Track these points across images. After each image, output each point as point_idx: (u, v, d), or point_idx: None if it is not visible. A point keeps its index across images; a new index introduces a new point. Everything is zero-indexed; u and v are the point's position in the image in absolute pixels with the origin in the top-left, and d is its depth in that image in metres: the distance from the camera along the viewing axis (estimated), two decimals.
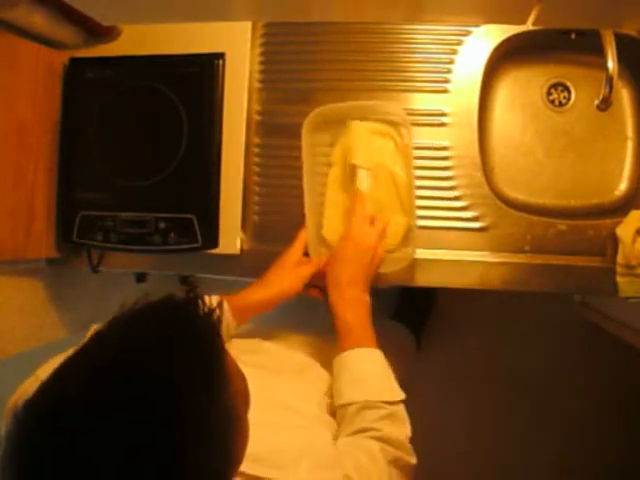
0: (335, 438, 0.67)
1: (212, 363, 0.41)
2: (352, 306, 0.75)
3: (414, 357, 1.09)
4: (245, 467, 0.48)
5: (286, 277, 0.80)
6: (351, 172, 0.83)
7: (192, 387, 0.38)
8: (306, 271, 0.81)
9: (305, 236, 0.84)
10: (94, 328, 0.69)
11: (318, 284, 0.83)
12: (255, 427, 0.55)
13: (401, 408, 0.68)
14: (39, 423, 0.36)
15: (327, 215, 0.85)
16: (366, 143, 0.83)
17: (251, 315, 0.81)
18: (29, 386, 0.58)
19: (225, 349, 0.43)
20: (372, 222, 0.79)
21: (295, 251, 0.83)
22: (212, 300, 0.44)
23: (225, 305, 0.78)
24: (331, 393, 0.73)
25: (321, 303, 0.83)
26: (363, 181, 0.81)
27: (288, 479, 0.53)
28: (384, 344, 0.93)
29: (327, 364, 0.79)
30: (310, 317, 1.01)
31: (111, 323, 0.41)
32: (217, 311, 0.43)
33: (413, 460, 0.66)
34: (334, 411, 0.72)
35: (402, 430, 0.66)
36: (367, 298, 0.76)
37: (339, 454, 0.60)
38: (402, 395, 0.69)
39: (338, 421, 0.69)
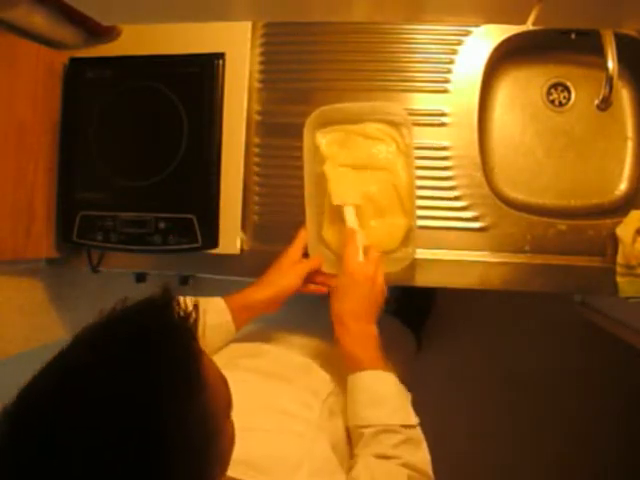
0: (350, 456, 0.67)
1: (187, 367, 0.40)
2: (359, 340, 0.74)
3: (414, 356, 1.09)
4: (240, 474, 0.48)
5: (284, 275, 0.80)
6: (338, 211, 0.83)
7: (166, 392, 0.38)
8: (304, 268, 0.81)
9: (305, 235, 0.84)
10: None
11: (317, 281, 0.83)
12: (252, 433, 0.54)
13: (417, 432, 0.68)
14: (11, 430, 0.36)
15: (326, 215, 0.85)
16: (340, 178, 0.83)
17: (252, 316, 0.81)
18: None
19: (201, 352, 0.43)
20: (366, 253, 0.78)
21: (294, 250, 0.83)
22: (188, 303, 0.44)
23: (223, 305, 0.78)
24: (332, 397, 0.73)
25: (319, 298, 0.83)
26: (351, 218, 0.80)
27: None
28: (384, 342, 0.93)
29: (328, 365, 0.79)
30: (311, 318, 1.01)
31: (89, 328, 0.41)
32: (193, 314, 0.43)
33: None
34: (335, 413, 0.71)
35: (422, 455, 0.66)
36: (373, 329, 0.75)
37: (356, 467, 0.60)
38: (417, 419, 0.68)
39: (353, 441, 0.68)
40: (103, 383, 0.37)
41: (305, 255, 0.84)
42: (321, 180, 0.85)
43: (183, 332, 0.42)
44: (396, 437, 0.65)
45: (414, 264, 0.84)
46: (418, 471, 0.63)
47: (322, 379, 0.76)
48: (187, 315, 0.43)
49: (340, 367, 0.84)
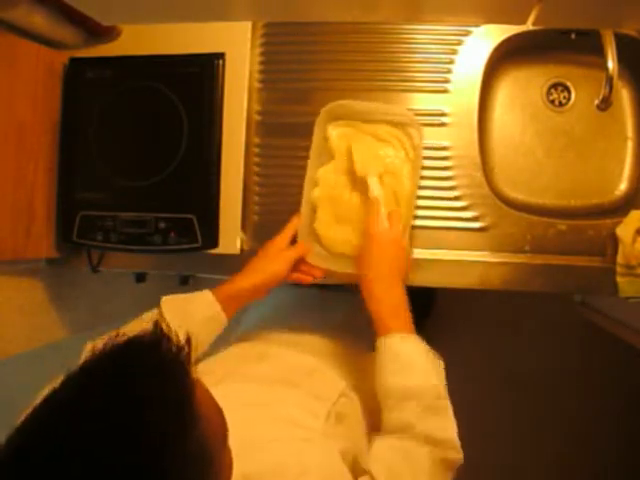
0: (369, 440, 0.66)
1: (178, 405, 0.40)
2: (383, 301, 0.72)
3: None
4: None
5: (271, 262, 0.80)
6: (361, 182, 0.83)
7: (159, 432, 0.38)
8: (291, 255, 0.81)
9: (296, 223, 0.84)
10: (89, 347, 0.69)
11: (302, 270, 0.83)
12: (256, 444, 0.53)
13: (443, 396, 0.66)
14: (6, 468, 0.36)
15: (321, 209, 0.85)
16: (370, 150, 0.83)
17: (241, 304, 0.80)
18: None
19: (194, 387, 0.42)
20: (389, 219, 0.78)
21: (282, 238, 0.83)
22: (180, 337, 0.43)
23: (211, 297, 0.77)
24: (343, 398, 0.71)
25: (319, 297, 0.83)
26: (376, 187, 0.80)
27: None
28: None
29: (337, 363, 0.79)
30: (319, 317, 1.01)
31: (79, 368, 0.41)
32: (186, 348, 0.43)
33: (460, 456, 0.63)
34: (347, 416, 0.70)
35: (445, 425, 0.64)
36: (402, 292, 0.74)
37: (370, 459, 0.59)
38: (442, 382, 0.66)
39: (382, 411, 0.67)
40: (93, 427, 0.36)
41: (293, 244, 0.84)
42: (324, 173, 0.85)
43: (174, 369, 0.41)
44: (419, 404, 0.63)
45: (414, 264, 0.84)
46: (440, 442, 0.62)
47: (330, 380, 0.75)
48: (179, 349, 0.42)
49: (351, 361, 0.83)
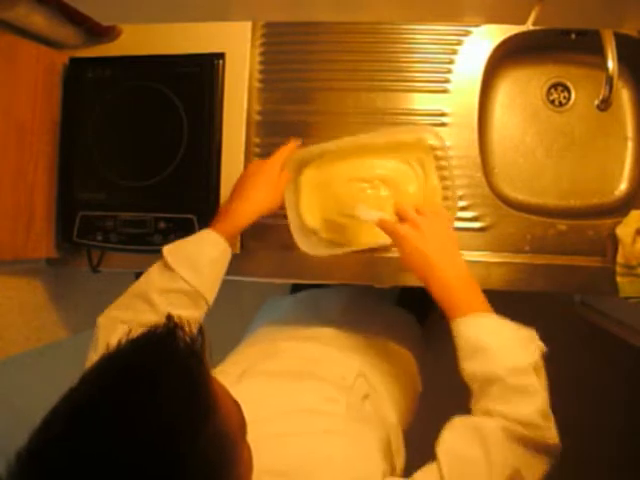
0: (399, 416, 0.66)
1: (196, 396, 0.40)
2: (450, 278, 0.67)
3: (421, 343, 1.07)
4: None
5: (268, 193, 0.79)
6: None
7: (178, 426, 0.38)
8: (284, 184, 0.81)
9: (285, 150, 0.82)
10: (101, 322, 0.69)
11: None
12: (279, 439, 0.53)
13: (528, 376, 0.60)
14: (25, 472, 0.36)
15: (303, 202, 0.86)
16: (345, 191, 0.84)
17: (239, 233, 0.80)
18: None
19: (210, 376, 0.42)
20: (400, 212, 0.74)
21: (275, 164, 0.81)
22: (192, 327, 0.44)
23: (217, 236, 0.75)
24: (361, 379, 0.70)
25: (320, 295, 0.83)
26: (369, 214, 0.77)
27: None
28: (389, 332, 0.93)
29: (348, 346, 0.79)
30: (319, 311, 1.00)
31: (95, 365, 0.41)
32: (199, 338, 0.43)
33: (549, 438, 0.57)
34: (368, 396, 0.69)
35: (529, 406, 0.58)
36: (460, 266, 0.69)
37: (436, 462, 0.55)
38: (527, 360, 0.60)
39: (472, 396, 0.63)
40: (112, 422, 0.37)
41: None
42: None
43: (189, 360, 0.42)
44: (499, 387, 0.59)
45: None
46: (521, 423, 0.57)
47: (345, 363, 0.74)
48: (193, 340, 0.42)
49: (361, 342, 0.83)
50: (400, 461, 0.69)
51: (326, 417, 0.61)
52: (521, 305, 1.61)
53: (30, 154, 0.86)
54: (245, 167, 0.88)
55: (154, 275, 0.72)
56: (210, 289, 0.73)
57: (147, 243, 0.86)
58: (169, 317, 0.44)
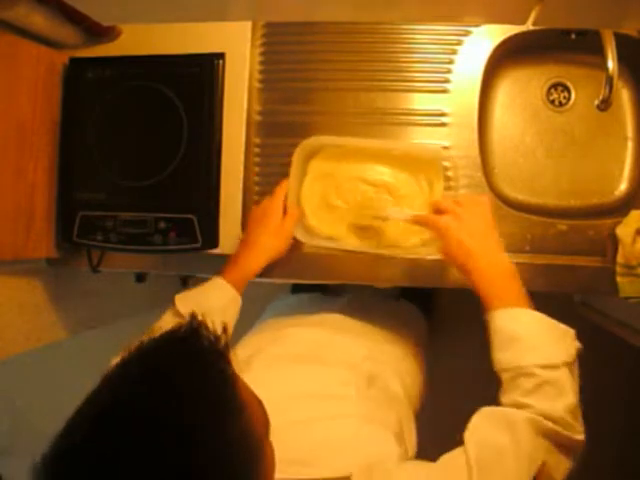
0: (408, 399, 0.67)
1: (224, 391, 0.40)
2: (489, 268, 0.68)
3: (425, 334, 1.07)
4: (282, 472, 0.47)
5: (275, 237, 0.80)
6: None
7: (205, 425, 0.38)
8: (290, 227, 0.82)
9: (286, 186, 0.84)
10: (114, 362, 0.69)
11: None
12: (290, 426, 0.52)
13: (561, 373, 0.60)
14: (51, 475, 0.36)
15: (305, 188, 0.87)
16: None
17: (248, 280, 0.80)
18: None
19: (235, 375, 0.42)
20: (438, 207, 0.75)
21: (277, 206, 0.82)
22: (216, 326, 0.43)
23: (224, 283, 0.77)
24: (368, 362, 0.70)
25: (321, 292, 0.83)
26: (400, 213, 0.79)
27: (330, 472, 0.51)
28: (392, 319, 0.93)
29: (354, 333, 0.79)
30: (324, 304, 1.00)
31: (118, 366, 0.41)
32: (223, 337, 0.42)
33: (576, 435, 0.59)
34: (378, 377, 0.69)
35: (558, 402, 0.58)
36: (503, 259, 0.69)
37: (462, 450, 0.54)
38: (561, 358, 0.61)
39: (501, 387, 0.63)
40: (138, 424, 0.36)
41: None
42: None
43: (215, 357, 0.41)
44: (531, 381, 0.59)
45: (414, 264, 0.84)
46: (549, 418, 0.57)
47: (351, 346, 0.74)
48: (217, 339, 0.42)
49: (367, 328, 0.84)
50: (412, 445, 0.69)
51: (337, 401, 0.61)
52: None
53: (30, 154, 0.86)
54: (245, 167, 0.88)
55: (166, 322, 0.74)
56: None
57: (147, 243, 0.86)
58: (193, 316, 0.43)
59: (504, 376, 0.62)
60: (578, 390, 0.62)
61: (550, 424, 0.56)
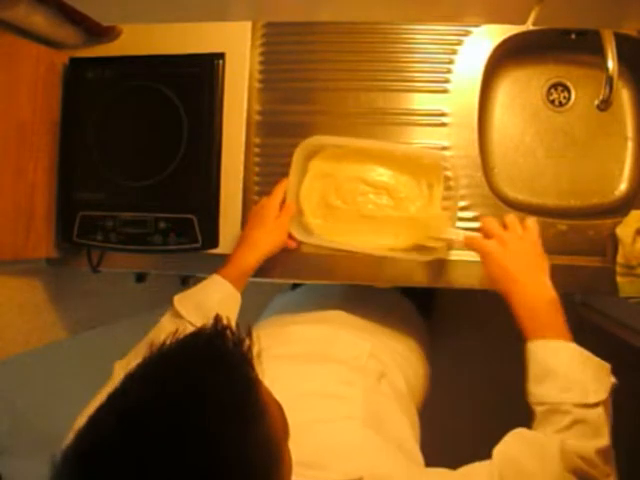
0: (412, 396, 0.67)
1: (247, 394, 0.40)
2: (532, 300, 0.68)
3: (424, 330, 1.07)
4: (294, 475, 0.47)
5: (271, 232, 0.81)
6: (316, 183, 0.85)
7: (229, 420, 0.38)
8: (286, 221, 0.82)
9: (285, 185, 0.84)
10: (117, 366, 0.68)
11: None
12: (297, 428, 0.53)
13: (596, 412, 0.60)
14: (74, 473, 0.36)
15: (305, 187, 0.87)
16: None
17: (248, 278, 0.81)
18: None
19: (258, 379, 0.42)
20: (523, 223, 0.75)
21: (274, 203, 0.83)
22: (240, 329, 0.43)
23: (222, 280, 0.77)
24: (373, 360, 0.70)
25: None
26: (454, 234, 0.78)
27: (340, 476, 0.51)
28: (393, 314, 0.93)
29: (357, 329, 0.79)
30: (323, 297, 1.00)
31: (142, 366, 0.41)
32: (247, 340, 0.42)
33: (603, 478, 0.58)
34: (383, 375, 0.69)
35: (591, 442, 0.58)
36: (546, 290, 0.68)
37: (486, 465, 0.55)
38: (599, 397, 0.60)
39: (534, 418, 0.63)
40: (165, 419, 0.36)
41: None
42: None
43: (239, 360, 0.41)
44: (565, 418, 0.58)
45: (413, 264, 0.84)
46: (582, 457, 0.56)
47: (356, 343, 0.74)
48: (241, 342, 0.42)
49: (369, 323, 0.83)
50: (412, 440, 0.67)
51: (344, 402, 0.61)
52: None
53: (30, 154, 0.86)
54: (245, 167, 0.88)
55: (165, 324, 0.74)
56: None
57: (147, 243, 0.86)
58: (217, 318, 0.43)
59: (538, 409, 0.62)
60: (611, 430, 0.62)
61: (580, 462, 0.56)
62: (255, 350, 0.70)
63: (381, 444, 0.56)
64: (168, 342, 0.42)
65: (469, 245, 0.76)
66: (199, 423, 0.37)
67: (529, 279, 0.68)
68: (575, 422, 0.58)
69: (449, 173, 0.83)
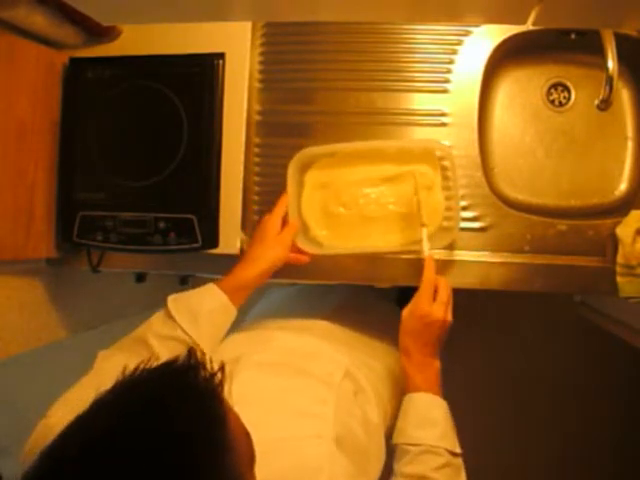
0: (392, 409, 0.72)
1: (213, 434, 0.40)
2: (421, 370, 0.77)
3: None
4: None
5: (270, 248, 0.81)
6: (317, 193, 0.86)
7: (193, 462, 0.37)
8: (287, 237, 0.82)
9: (285, 201, 0.84)
10: (100, 356, 0.68)
11: (295, 250, 0.84)
12: (270, 445, 0.52)
13: (460, 461, 0.70)
14: None
15: (306, 196, 0.87)
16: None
17: (247, 293, 0.80)
18: (40, 433, 0.58)
19: (227, 414, 0.42)
20: (436, 291, 0.78)
21: (275, 220, 0.83)
22: (213, 364, 0.43)
23: (217, 289, 0.77)
24: (347, 380, 0.71)
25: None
26: (426, 242, 0.80)
27: None
28: (383, 329, 0.93)
29: (340, 345, 0.79)
30: (318, 301, 1.00)
31: (112, 392, 0.41)
32: (219, 375, 0.42)
33: None
34: (356, 393, 0.71)
35: (462, 477, 0.70)
36: (437, 363, 0.78)
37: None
38: (460, 450, 0.71)
39: (397, 457, 0.70)
40: (126, 453, 0.36)
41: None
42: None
43: (207, 396, 0.41)
44: (439, 460, 0.67)
45: (413, 265, 0.84)
46: None
47: (334, 358, 0.75)
48: (212, 376, 0.42)
49: (354, 339, 0.84)
50: (378, 466, 0.71)
51: (316, 420, 0.62)
52: (521, 305, 1.62)
53: (30, 154, 0.86)
54: (245, 167, 0.88)
55: (156, 322, 0.74)
56: (207, 341, 0.74)
57: (147, 243, 0.86)
58: (191, 351, 0.43)
59: (412, 449, 0.69)
60: None
61: None
62: (235, 354, 0.71)
63: (347, 466, 0.58)
64: (140, 370, 0.42)
65: (425, 266, 0.79)
66: (164, 457, 0.36)
67: (423, 357, 0.77)
68: (446, 464, 0.68)
69: (446, 163, 0.83)
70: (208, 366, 0.42)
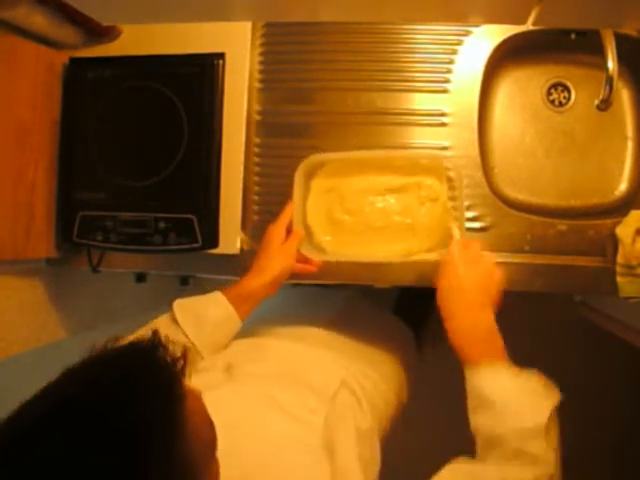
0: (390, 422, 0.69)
1: (165, 412, 0.40)
2: (469, 332, 0.69)
3: (414, 353, 1.08)
4: None
5: (275, 258, 0.80)
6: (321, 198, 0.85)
7: (144, 437, 0.38)
8: (292, 247, 0.81)
9: (290, 211, 0.83)
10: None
11: (301, 259, 0.83)
12: (256, 456, 0.52)
13: (535, 437, 0.58)
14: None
15: (312, 202, 0.86)
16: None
17: (254, 304, 0.80)
18: None
19: (184, 396, 0.42)
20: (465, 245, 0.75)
21: (279, 230, 0.82)
22: (176, 349, 0.44)
23: (222, 298, 0.77)
24: (343, 391, 0.70)
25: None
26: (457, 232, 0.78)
27: None
28: (381, 339, 0.93)
29: (337, 354, 0.79)
30: (317, 308, 1.00)
31: (80, 364, 0.42)
32: (181, 361, 0.43)
33: None
34: (352, 406, 0.70)
35: (527, 473, 0.57)
36: (488, 317, 0.70)
37: None
38: (535, 420, 0.59)
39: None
40: (81, 420, 0.37)
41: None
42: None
43: (166, 376, 0.42)
44: (504, 448, 0.59)
45: (414, 265, 0.84)
46: None
47: (330, 369, 0.74)
48: (175, 360, 0.43)
49: (352, 348, 0.83)
50: (373, 470, 0.69)
51: (304, 427, 0.62)
52: (521, 305, 1.61)
53: (30, 154, 0.86)
54: (245, 167, 0.88)
55: (160, 325, 0.75)
56: (209, 348, 0.75)
57: (147, 243, 0.86)
58: (155, 332, 0.44)
59: (477, 438, 0.63)
60: (556, 453, 0.59)
61: None
62: (228, 360, 0.69)
63: (329, 476, 0.57)
64: (107, 348, 0.43)
65: (459, 245, 0.75)
66: (117, 434, 0.37)
67: (470, 310, 0.70)
68: (510, 453, 0.58)
69: (452, 173, 0.83)
70: (171, 350, 0.43)
